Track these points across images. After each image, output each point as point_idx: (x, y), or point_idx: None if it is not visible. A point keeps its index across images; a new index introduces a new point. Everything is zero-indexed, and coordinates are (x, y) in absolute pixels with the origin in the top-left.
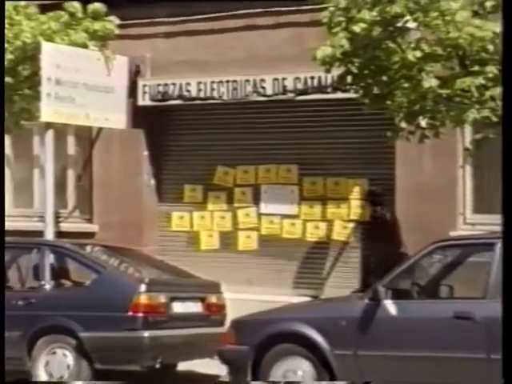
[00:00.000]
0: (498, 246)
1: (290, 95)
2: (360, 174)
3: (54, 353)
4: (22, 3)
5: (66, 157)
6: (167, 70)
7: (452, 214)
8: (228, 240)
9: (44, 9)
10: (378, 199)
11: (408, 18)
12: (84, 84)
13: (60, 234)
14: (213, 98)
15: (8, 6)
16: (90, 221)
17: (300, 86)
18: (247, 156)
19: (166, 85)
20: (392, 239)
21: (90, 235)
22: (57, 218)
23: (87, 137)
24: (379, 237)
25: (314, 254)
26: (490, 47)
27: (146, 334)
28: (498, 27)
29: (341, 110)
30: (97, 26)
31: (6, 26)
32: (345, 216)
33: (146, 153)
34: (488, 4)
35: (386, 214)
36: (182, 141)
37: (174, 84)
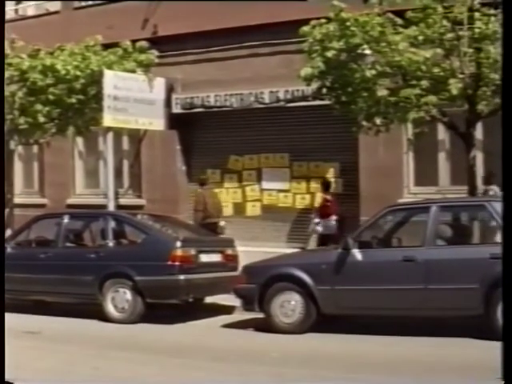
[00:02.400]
0: (432, 209)
1: (282, 103)
2: (333, 159)
3: (118, 291)
4: (91, 43)
5: (122, 151)
6: (193, 87)
7: (399, 187)
8: (239, 208)
9: (106, 46)
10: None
11: (365, 46)
12: (134, 99)
13: (119, 207)
14: (226, 107)
15: (81, 45)
16: (139, 197)
17: (289, 96)
18: (252, 148)
19: (192, 98)
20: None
21: (140, 207)
22: (116, 195)
23: (137, 136)
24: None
25: (302, 218)
26: (423, 67)
27: (182, 277)
28: (428, 54)
29: (319, 113)
30: (142, 57)
31: (80, 59)
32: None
33: (178, 147)
34: (419, 38)
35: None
36: (204, 138)
37: (197, 97)
